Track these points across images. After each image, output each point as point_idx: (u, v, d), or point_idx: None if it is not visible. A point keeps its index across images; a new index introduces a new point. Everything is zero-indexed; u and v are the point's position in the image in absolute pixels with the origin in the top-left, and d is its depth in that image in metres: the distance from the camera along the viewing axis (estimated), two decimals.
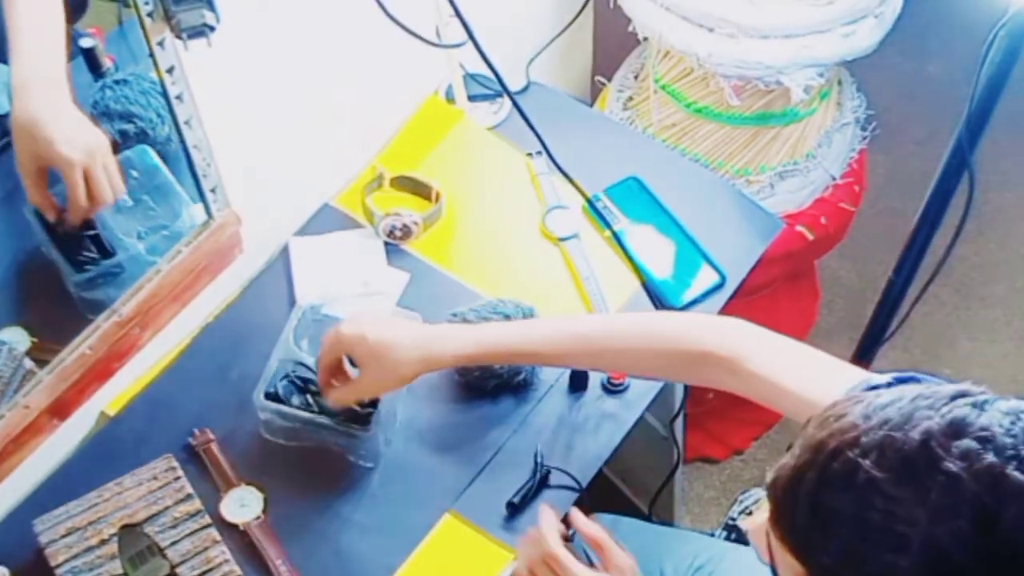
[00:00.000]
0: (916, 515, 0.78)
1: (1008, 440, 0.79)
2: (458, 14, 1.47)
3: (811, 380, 1.16)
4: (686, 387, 1.77)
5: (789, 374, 1.19)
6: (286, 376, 1.45)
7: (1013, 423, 0.80)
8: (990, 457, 0.78)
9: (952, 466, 0.78)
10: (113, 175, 1.28)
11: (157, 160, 1.38)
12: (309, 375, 1.45)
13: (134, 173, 1.38)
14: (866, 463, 0.80)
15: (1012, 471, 0.77)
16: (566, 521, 1.31)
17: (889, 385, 1.05)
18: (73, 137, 1.23)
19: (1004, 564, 0.77)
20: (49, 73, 1.20)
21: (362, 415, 1.42)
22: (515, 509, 1.42)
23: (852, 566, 0.81)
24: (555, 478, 1.45)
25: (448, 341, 1.32)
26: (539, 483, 1.44)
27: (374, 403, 1.42)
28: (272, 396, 1.43)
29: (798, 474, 0.84)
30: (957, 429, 0.80)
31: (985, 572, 0.77)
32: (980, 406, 0.81)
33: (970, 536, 0.77)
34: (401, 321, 1.37)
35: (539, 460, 1.45)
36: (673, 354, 1.28)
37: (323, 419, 1.42)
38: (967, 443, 0.79)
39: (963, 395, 0.83)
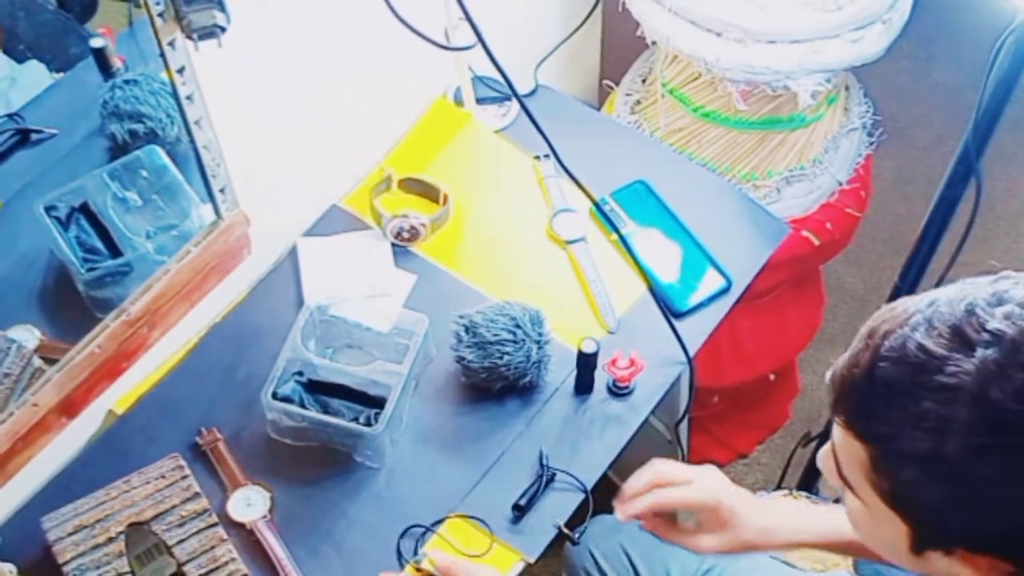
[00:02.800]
0: (965, 369, 0.82)
1: None
2: (468, 17, 1.47)
3: None
4: (691, 391, 1.77)
5: None
6: (294, 376, 1.45)
7: None
8: None
9: (998, 325, 0.83)
10: None
11: (166, 160, 1.39)
12: (316, 376, 1.46)
13: (143, 173, 1.39)
14: (916, 335, 0.85)
15: None
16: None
17: None
18: None
19: None
20: None
21: (369, 415, 1.43)
22: (521, 511, 1.42)
23: (908, 426, 0.85)
24: (560, 480, 1.45)
25: (787, 529, 1.31)
26: (544, 485, 1.44)
27: (381, 404, 1.43)
28: (279, 396, 1.43)
29: (854, 359, 0.90)
30: (1000, 298, 0.85)
31: None
32: (1022, 283, 0.87)
33: (1019, 385, 0.81)
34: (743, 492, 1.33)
35: (544, 462, 1.45)
36: None
37: (330, 419, 1.42)
38: (1011, 308, 0.84)
39: (1005, 277, 0.89)
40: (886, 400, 0.86)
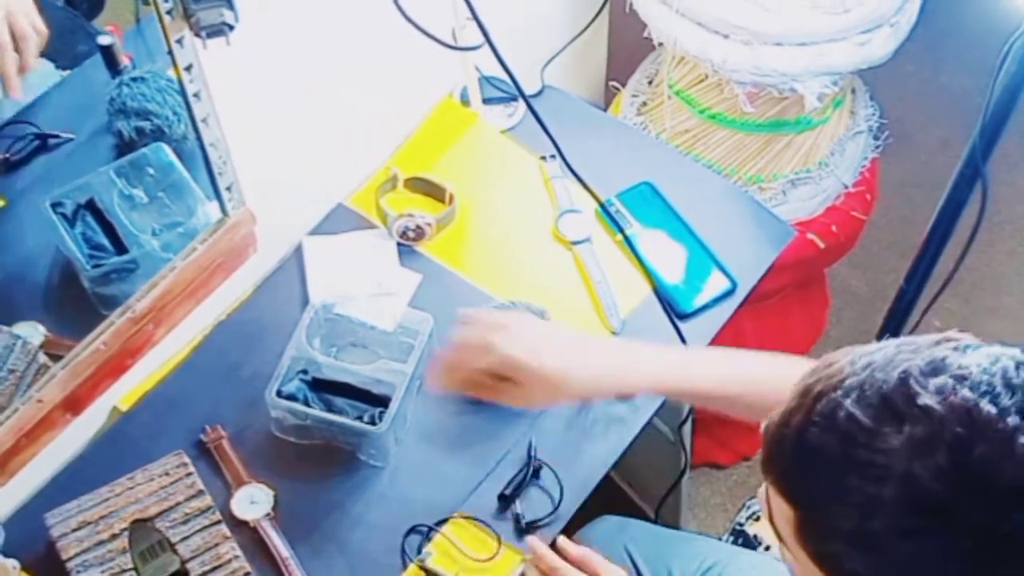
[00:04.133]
0: (894, 448, 0.79)
1: (984, 377, 0.80)
2: (475, 17, 1.47)
3: None
4: None
5: None
6: (299, 374, 1.45)
7: (992, 363, 0.81)
8: (965, 392, 0.79)
9: (928, 400, 0.79)
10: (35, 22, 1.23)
11: (172, 157, 1.39)
12: (321, 374, 1.46)
13: (149, 170, 1.39)
14: (847, 402, 0.82)
15: (985, 404, 0.78)
16: (555, 547, 1.32)
17: None
18: None
19: (978, 494, 0.78)
20: None
21: (373, 414, 1.43)
22: (506, 501, 1.43)
23: (836, 500, 0.82)
24: (547, 476, 1.46)
25: (613, 381, 1.29)
26: (530, 475, 1.44)
27: (385, 403, 1.43)
28: (284, 394, 1.43)
29: (786, 418, 0.87)
30: (935, 367, 0.81)
31: (960, 501, 0.78)
32: (962, 349, 0.83)
33: (946, 467, 0.78)
34: (567, 341, 1.30)
35: (532, 452, 1.46)
36: None
37: (334, 417, 1.42)
38: (944, 379, 0.80)
39: (946, 340, 0.85)
40: (814, 468, 0.84)
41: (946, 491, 0.78)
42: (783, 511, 0.88)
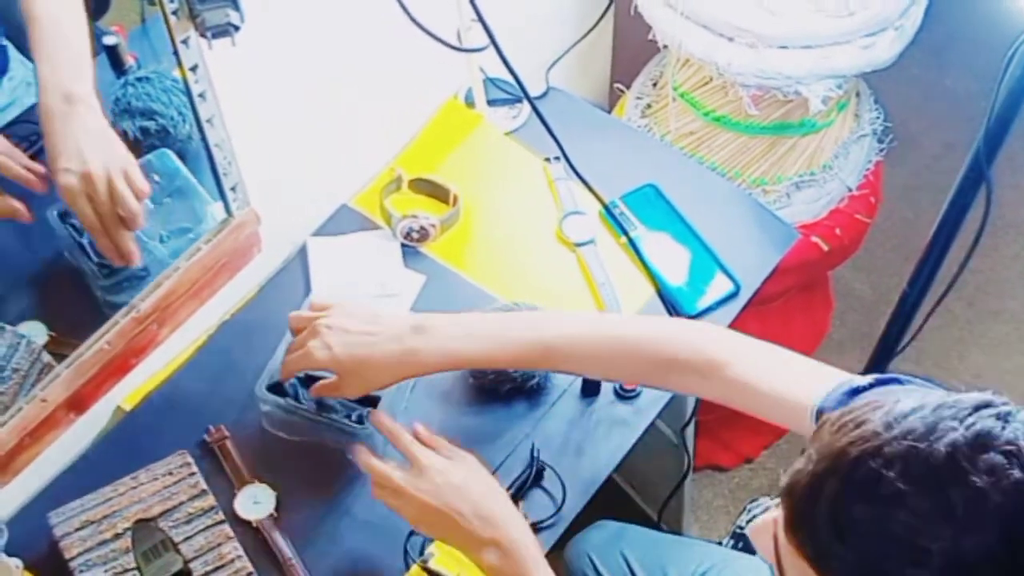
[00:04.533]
0: (940, 529, 0.77)
1: None
2: (480, 18, 1.48)
3: (789, 383, 1.15)
4: None
5: (765, 377, 1.18)
6: None
7: None
8: (1017, 473, 0.78)
9: (979, 480, 0.77)
10: (134, 181, 1.24)
11: (178, 163, 1.39)
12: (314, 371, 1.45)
13: (155, 177, 1.39)
14: (890, 474, 0.79)
15: None
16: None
17: (871, 386, 1.05)
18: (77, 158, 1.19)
19: None
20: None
21: (362, 413, 1.42)
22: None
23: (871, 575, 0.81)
24: (550, 478, 1.46)
25: (421, 358, 1.30)
26: (534, 477, 1.44)
27: (374, 402, 1.42)
28: (274, 389, 1.43)
29: (818, 481, 0.83)
30: (984, 442, 0.79)
31: None
32: (1004, 418, 0.81)
33: (996, 551, 0.76)
34: (374, 326, 1.32)
35: (535, 454, 1.46)
36: (645, 360, 1.27)
37: (321, 416, 1.42)
38: (993, 456, 0.78)
39: (986, 406, 0.82)
40: (850, 541, 0.81)
41: (992, 572, 0.77)
42: (802, 570, 0.86)
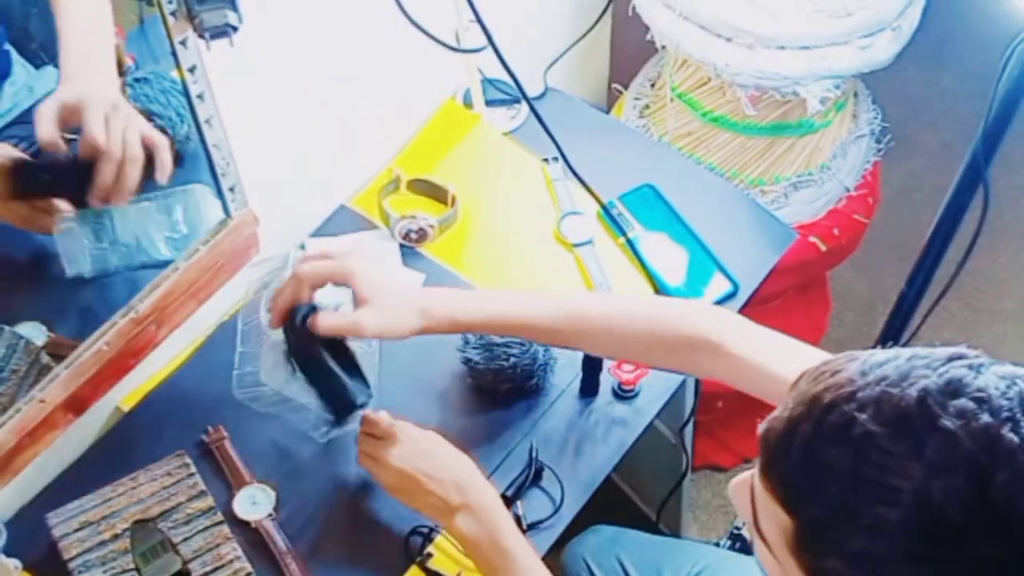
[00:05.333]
0: (910, 469, 0.78)
1: (1004, 402, 0.79)
2: (478, 19, 1.48)
3: (792, 361, 1.15)
4: (696, 394, 1.78)
5: (769, 356, 1.20)
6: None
7: (1009, 387, 0.80)
8: (986, 417, 0.78)
9: (949, 423, 0.78)
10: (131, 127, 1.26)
11: (179, 167, 1.39)
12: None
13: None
14: (862, 417, 0.80)
15: (1007, 432, 0.78)
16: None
17: None
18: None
19: (992, 523, 0.77)
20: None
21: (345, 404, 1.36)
22: (508, 502, 1.42)
23: (842, 518, 0.81)
24: (548, 478, 1.46)
25: (443, 302, 1.30)
26: (532, 477, 1.45)
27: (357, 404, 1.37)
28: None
29: (792, 426, 0.84)
30: (954, 388, 0.80)
31: (973, 530, 0.77)
32: (976, 368, 0.82)
33: (964, 493, 0.77)
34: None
35: (534, 455, 1.46)
36: (655, 337, 1.28)
37: (296, 388, 1.37)
38: (964, 402, 0.79)
39: (959, 357, 0.83)
40: (822, 482, 0.82)
41: (961, 516, 0.77)
42: (777, 517, 0.86)
